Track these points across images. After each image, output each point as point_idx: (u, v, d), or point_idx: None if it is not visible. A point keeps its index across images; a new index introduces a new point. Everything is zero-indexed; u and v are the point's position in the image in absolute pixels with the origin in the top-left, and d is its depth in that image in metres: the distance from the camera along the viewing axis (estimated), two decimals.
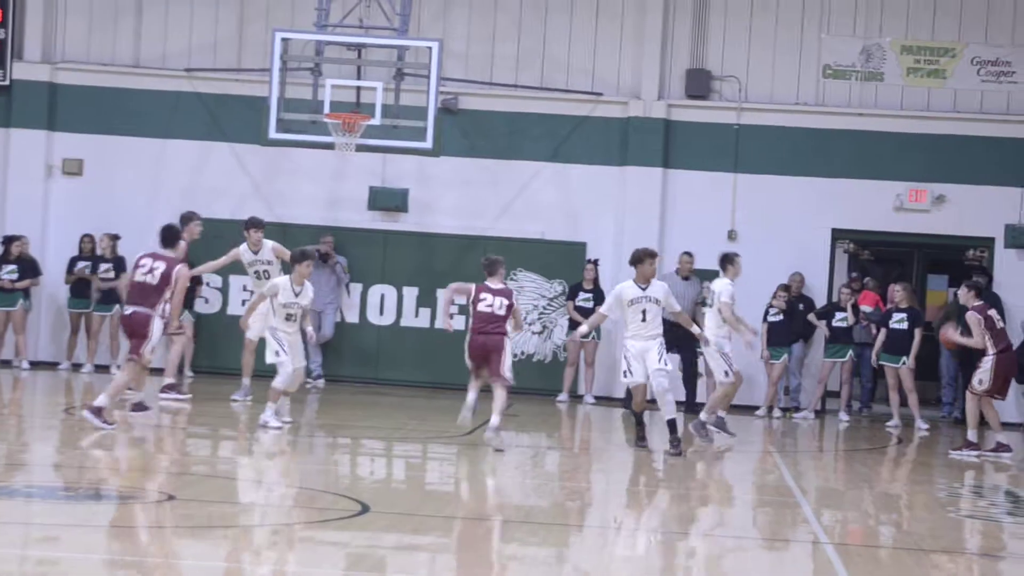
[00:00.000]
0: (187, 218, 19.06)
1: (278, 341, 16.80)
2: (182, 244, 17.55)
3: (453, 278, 23.08)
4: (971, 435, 17.92)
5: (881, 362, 21.30)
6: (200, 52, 23.74)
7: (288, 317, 16.88)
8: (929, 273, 26.94)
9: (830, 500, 14.56)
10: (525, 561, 10.45)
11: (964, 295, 18.33)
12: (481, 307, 16.39)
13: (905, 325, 20.92)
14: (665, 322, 16.83)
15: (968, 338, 18.06)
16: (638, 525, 12.42)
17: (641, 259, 16.40)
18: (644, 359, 16.25)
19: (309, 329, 17.27)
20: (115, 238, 22.81)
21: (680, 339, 19.51)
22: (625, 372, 16.36)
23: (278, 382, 16.72)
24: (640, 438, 16.76)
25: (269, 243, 19.27)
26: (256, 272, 19.23)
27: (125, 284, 17.28)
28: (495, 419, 16.05)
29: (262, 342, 17.52)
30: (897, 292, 21.31)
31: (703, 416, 17.70)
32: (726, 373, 17.62)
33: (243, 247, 19.27)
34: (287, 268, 18.03)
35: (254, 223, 19.40)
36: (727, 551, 11.43)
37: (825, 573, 10.66)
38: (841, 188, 23.16)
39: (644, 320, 16.27)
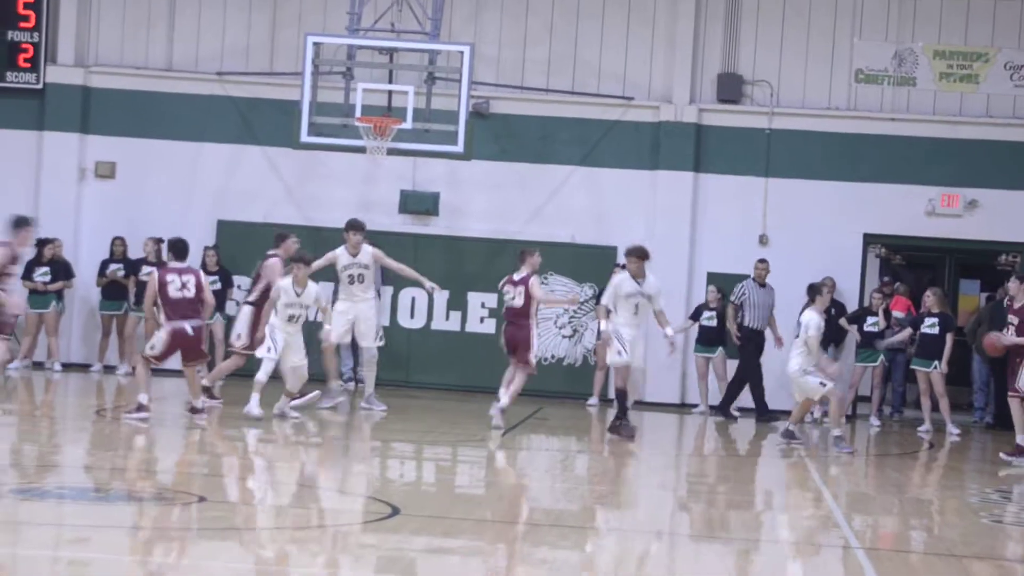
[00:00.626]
0: (282, 236, 19.08)
1: (273, 340, 17.40)
2: (275, 261, 17.85)
3: (483, 281, 23.25)
4: (1021, 439, 17.74)
5: (912, 367, 21.23)
6: (232, 56, 23.81)
7: (291, 318, 17.47)
8: (961, 278, 26.85)
9: (861, 505, 14.51)
10: (555, 565, 10.45)
11: (1015, 287, 18.13)
12: (506, 299, 17.99)
13: (937, 330, 20.82)
14: (743, 328, 19.48)
15: (1018, 337, 17.84)
16: (667, 529, 12.40)
17: (634, 256, 17.84)
18: (633, 347, 17.68)
19: (327, 327, 18.13)
20: (159, 242, 22.86)
21: (749, 348, 20.88)
22: (620, 352, 17.63)
23: (260, 375, 17.47)
24: (620, 417, 17.84)
25: (370, 248, 19.25)
26: (350, 276, 19.10)
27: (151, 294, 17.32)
28: (506, 400, 17.44)
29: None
30: (929, 297, 21.23)
31: (836, 432, 17.84)
32: (822, 384, 17.85)
33: (341, 250, 19.15)
34: (386, 275, 19.58)
35: (355, 225, 19.24)
36: (757, 555, 11.41)
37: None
38: (873, 193, 23.10)
39: (636, 313, 17.74)
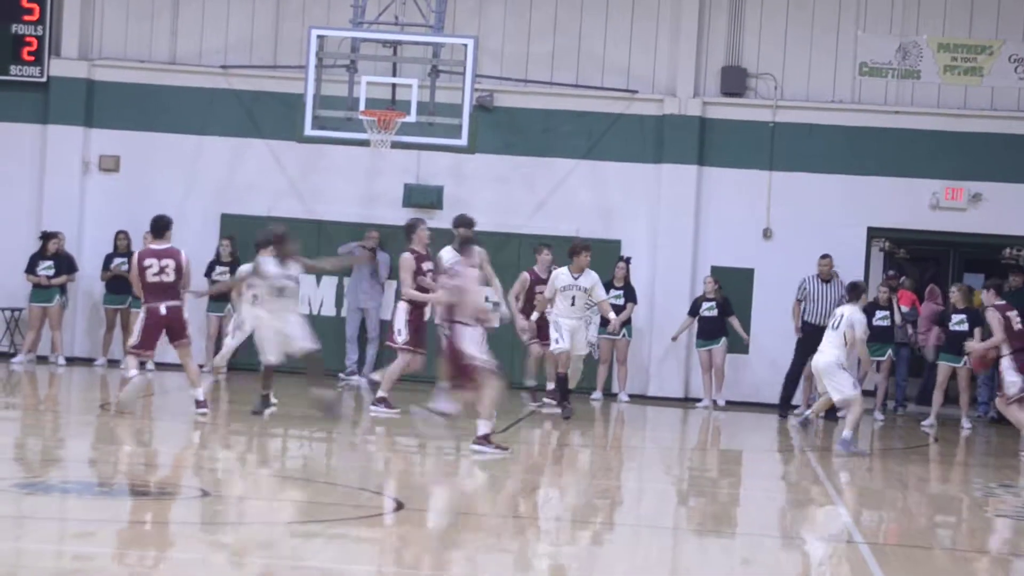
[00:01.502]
0: (413, 225, 18.75)
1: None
2: (407, 255, 17.91)
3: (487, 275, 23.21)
4: None
5: (941, 362, 21.28)
6: (236, 49, 23.80)
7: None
8: (966, 272, 26.83)
9: (865, 499, 14.51)
10: (558, 559, 10.46)
11: (987, 296, 18.38)
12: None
13: (965, 327, 20.94)
14: (804, 323, 20.63)
15: (991, 339, 18.08)
16: (671, 523, 12.40)
17: (577, 251, 18.84)
18: (573, 335, 18.81)
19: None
20: None
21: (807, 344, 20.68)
22: (556, 340, 18.77)
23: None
24: (563, 400, 18.88)
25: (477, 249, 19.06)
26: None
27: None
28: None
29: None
30: (954, 293, 21.38)
31: (847, 433, 17.43)
32: (854, 386, 17.83)
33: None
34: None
35: (464, 222, 19.07)
36: (761, 550, 11.41)
37: (860, 573, 10.63)
38: (877, 186, 23.08)
39: (573, 305, 18.81)
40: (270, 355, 17.15)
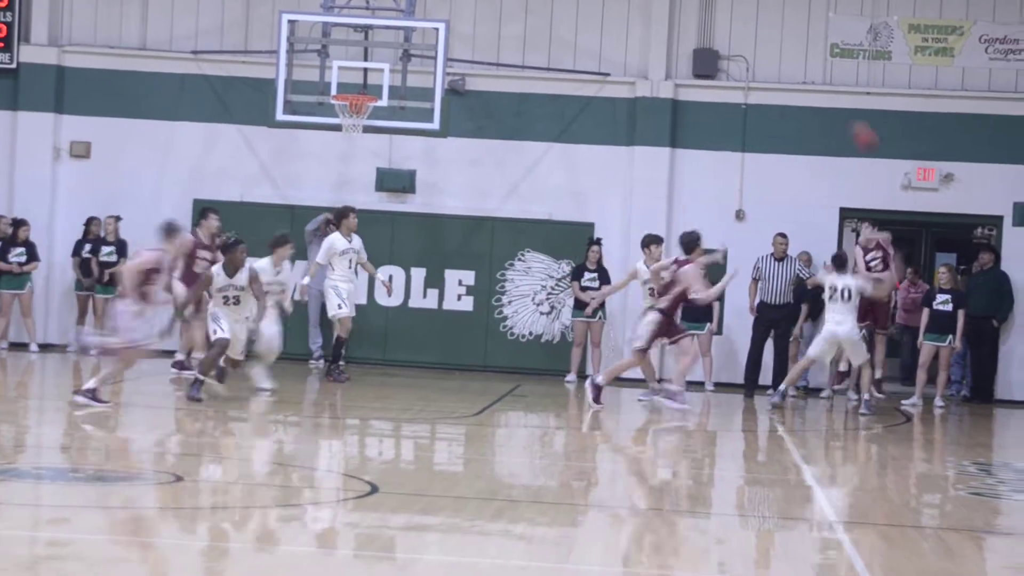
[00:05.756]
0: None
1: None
2: (692, 268, 18.43)
3: (460, 259, 23.26)
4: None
5: (926, 341, 21.40)
6: (207, 34, 23.72)
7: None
8: (937, 251, 26.91)
9: (839, 479, 14.56)
10: (534, 541, 10.47)
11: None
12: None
13: (950, 307, 21.19)
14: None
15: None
16: (648, 504, 12.43)
17: (346, 215, 20.13)
18: (352, 297, 19.94)
19: (286, 305, 18.69)
20: (117, 220, 22.84)
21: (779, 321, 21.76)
22: (340, 305, 19.72)
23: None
24: (335, 362, 19.98)
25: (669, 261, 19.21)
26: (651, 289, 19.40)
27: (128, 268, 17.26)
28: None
29: None
30: (944, 274, 21.61)
31: (867, 396, 19.51)
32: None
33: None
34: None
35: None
36: (735, 529, 11.44)
37: (833, 552, 10.67)
38: (849, 167, 23.12)
39: (351, 267, 19.95)
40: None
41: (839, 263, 19.53)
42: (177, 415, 16.43)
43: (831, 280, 19.34)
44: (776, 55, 23.54)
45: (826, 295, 19.39)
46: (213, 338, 17.38)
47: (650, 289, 19.06)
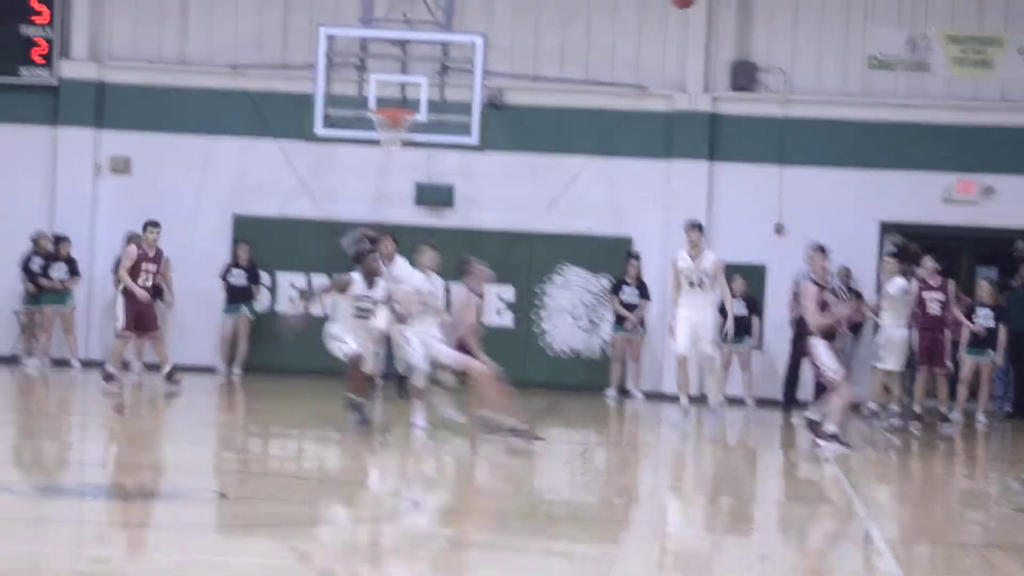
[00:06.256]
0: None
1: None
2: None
3: (499, 274, 23.18)
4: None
5: (967, 356, 21.30)
6: (246, 49, 23.80)
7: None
8: (978, 265, 26.76)
9: (881, 496, 14.48)
10: (574, 558, 10.45)
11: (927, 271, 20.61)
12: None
13: (992, 322, 21.08)
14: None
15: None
16: (687, 522, 12.39)
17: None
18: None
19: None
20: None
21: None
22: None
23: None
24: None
25: (711, 254, 18.34)
26: (691, 281, 18.01)
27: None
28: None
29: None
30: (984, 288, 21.50)
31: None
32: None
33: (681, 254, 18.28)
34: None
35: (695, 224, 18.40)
36: (778, 547, 11.39)
37: (877, 569, 10.61)
38: (888, 180, 23.05)
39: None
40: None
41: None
42: (226, 432, 16.42)
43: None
44: (814, 67, 23.49)
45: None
46: (344, 354, 16.08)
47: (689, 282, 17.96)
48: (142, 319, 19.28)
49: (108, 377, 19.04)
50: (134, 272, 19.17)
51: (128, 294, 19.17)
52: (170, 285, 20.95)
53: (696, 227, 18.32)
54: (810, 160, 23.30)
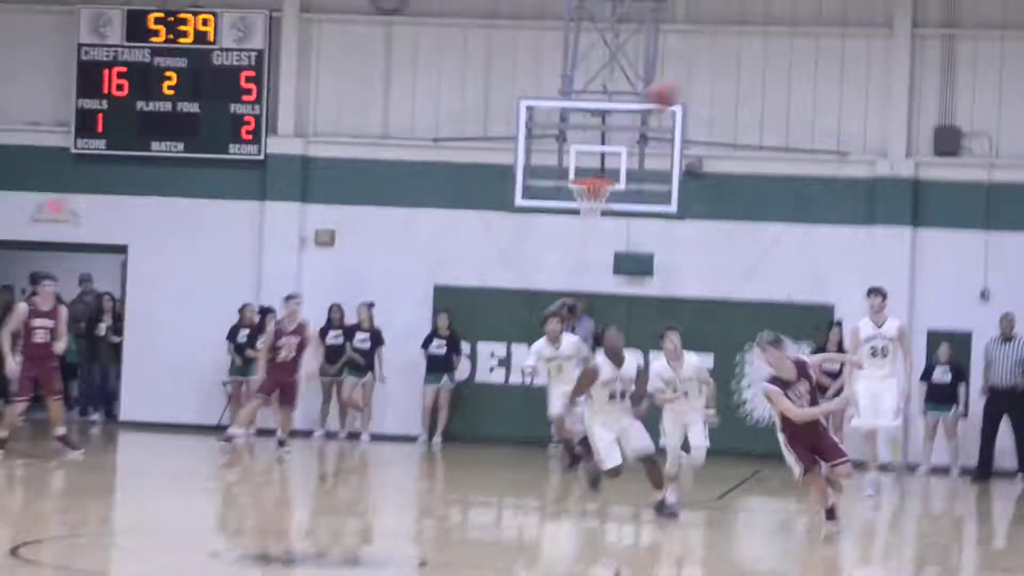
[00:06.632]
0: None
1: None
2: None
3: (699, 342, 23.00)
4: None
5: None
6: (447, 122, 24.11)
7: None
8: None
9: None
10: None
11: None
12: None
13: None
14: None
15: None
16: None
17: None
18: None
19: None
20: (371, 307, 23.32)
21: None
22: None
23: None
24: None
25: (897, 320, 18.13)
26: (874, 349, 17.69)
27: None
28: None
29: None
30: None
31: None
32: None
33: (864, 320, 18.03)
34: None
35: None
36: None
37: None
38: None
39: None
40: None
41: None
42: (427, 499, 16.52)
43: None
44: (1021, 131, 23.08)
45: None
46: (603, 463, 14.76)
47: (872, 351, 17.46)
48: (282, 389, 20.03)
49: (228, 439, 20.15)
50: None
51: (268, 363, 20.05)
52: (315, 352, 21.19)
53: (879, 293, 17.96)
54: (1017, 225, 22.84)
